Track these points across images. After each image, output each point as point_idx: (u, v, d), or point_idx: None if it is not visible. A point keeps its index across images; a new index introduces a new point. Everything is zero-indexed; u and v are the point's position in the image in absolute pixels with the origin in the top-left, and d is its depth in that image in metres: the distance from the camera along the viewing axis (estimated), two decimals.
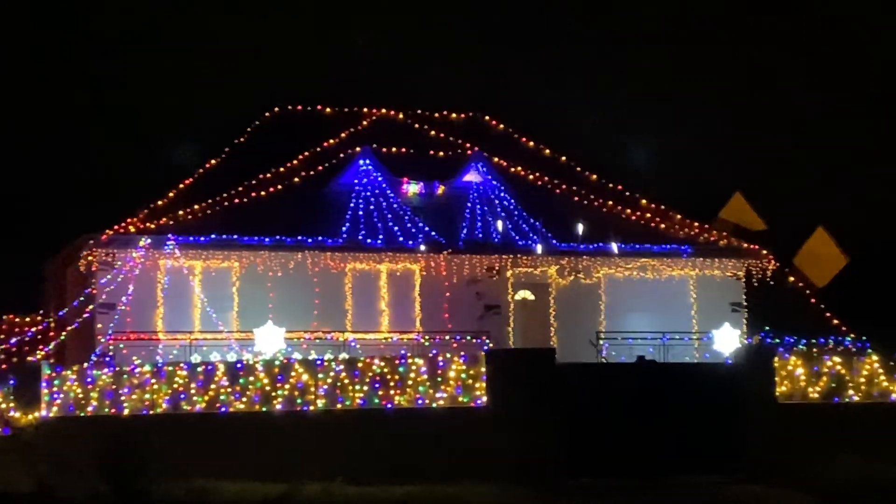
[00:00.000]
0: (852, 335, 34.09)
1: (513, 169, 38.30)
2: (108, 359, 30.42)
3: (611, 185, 38.77)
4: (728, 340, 32.88)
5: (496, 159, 38.30)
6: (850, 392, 29.75)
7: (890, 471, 26.04)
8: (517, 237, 35.86)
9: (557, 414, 27.09)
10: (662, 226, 37.55)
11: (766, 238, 37.79)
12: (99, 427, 27.23)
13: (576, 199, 37.77)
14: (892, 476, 25.65)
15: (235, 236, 33.26)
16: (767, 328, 34.55)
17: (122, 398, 28.19)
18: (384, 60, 54.85)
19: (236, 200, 34.49)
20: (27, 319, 35.16)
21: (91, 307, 32.19)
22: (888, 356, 30.12)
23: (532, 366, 27.74)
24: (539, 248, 35.56)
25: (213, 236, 33.05)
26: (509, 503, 22.62)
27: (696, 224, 37.85)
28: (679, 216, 38.04)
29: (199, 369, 28.19)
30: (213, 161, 37.01)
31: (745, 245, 37.34)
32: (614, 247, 35.99)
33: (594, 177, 39.12)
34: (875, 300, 40.55)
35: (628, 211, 37.85)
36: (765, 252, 37.15)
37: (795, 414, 28.69)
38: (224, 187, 34.65)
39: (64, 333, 33.08)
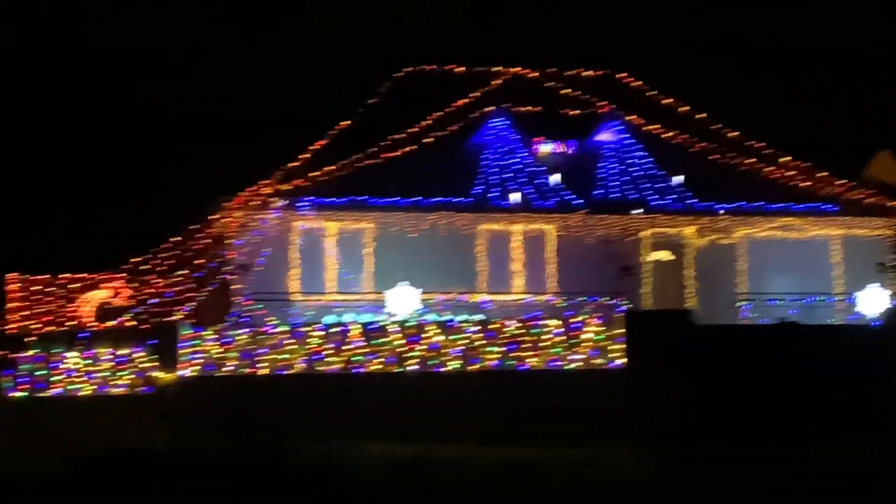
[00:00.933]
0: None
1: (648, 127, 37.54)
2: (244, 319, 30.74)
3: (751, 143, 37.74)
4: (874, 302, 31.79)
5: (631, 117, 37.58)
6: None
7: None
8: (653, 196, 35.15)
9: (695, 377, 26.58)
10: (805, 184, 36.43)
11: None
12: (236, 386, 27.54)
13: (714, 156, 36.86)
14: None
15: (368, 197, 33.24)
16: None
17: (259, 358, 28.44)
18: (517, 18, 54.26)
19: (369, 161, 34.45)
20: (167, 281, 35.67)
21: (228, 268, 32.52)
22: None
23: (669, 328, 27.28)
24: (676, 208, 34.83)
25: (346, 197, 33.09)
26: (645, 466, 22.17)
27: (841, 182, 36.65)
28: (822, 174, 36.86)
29: (334, 330, 28.31)
30: (345, 122, 37.00)
31: (892, 203, 36.05)
32: (755, 205, 35.06)
33: (734, 134, 38.12)
34: None
35: (770, 169, 36.81)
36: None
37: None
38: (357, 148, 34.62)
39: (202, 294, 33.50)
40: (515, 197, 34.24)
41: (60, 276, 35.28)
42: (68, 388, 29.30)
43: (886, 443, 25.39)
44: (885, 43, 55.22)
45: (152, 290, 34.80)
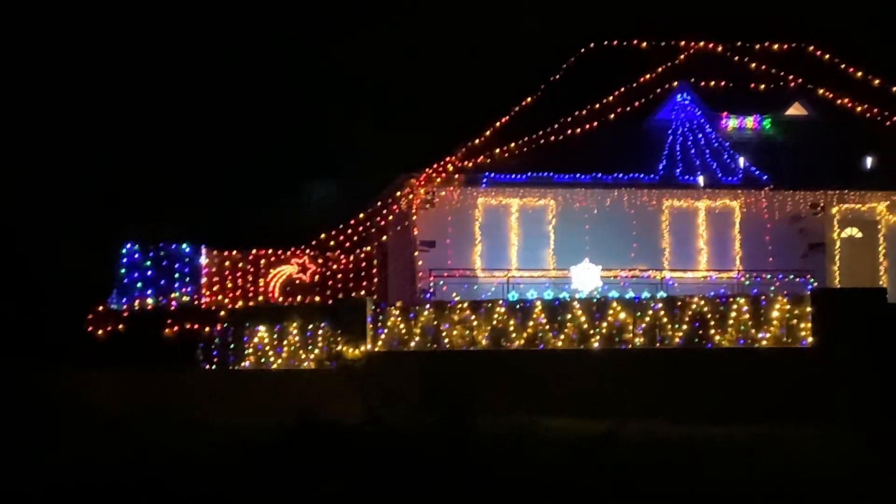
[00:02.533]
0: None
1: (839, 101, 36.55)
2: (428, 295, 31.11)
3: None
4: None
5: (821, 91, 36.65)
6: None
7: None
8: (844, 172, 34.21)
9: (890, 357, 25.87)
10: None
11: None
12: (422, 361, 27.86)
13: None
14: None
15: (551, 174, 33.19)
16: None
17: (444, 334, 28.74)
18: None
19: (552, 138, 34.41)
20: (352, 257, 36.38)
21: (412, 244, 32.94)
22: None
23: (862, 306, 26.59)
24: (867, 184, 33.85)
25: (528, 174, 33.12)
26: (836, 447, 21.66)
27: None
28: None
29: (518, 306, 28.42)
30: (528, 99, 37.03)
31: None
32: None
33: None
34: None
35: None
36: None
37: None
38: (540, 125, 34.62)
39: (387, 270, 34.04)
40: (700, 173, 33.74)
41: (251, 251, 36.27)
42: (259, 361, 30.08)
43: None
44: None
45: (338, 266, 35.54)
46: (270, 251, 36.31)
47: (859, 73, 38.48)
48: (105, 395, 27.92)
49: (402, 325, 29.14)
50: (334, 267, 35.93)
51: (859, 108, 36.34)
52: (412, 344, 28.95)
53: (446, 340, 28.72)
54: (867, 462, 19.55)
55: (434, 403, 21.20)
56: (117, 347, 31.69)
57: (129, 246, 34.32)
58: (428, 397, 21.50)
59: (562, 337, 27.94)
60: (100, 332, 32.52)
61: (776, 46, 39.62)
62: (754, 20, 46.48)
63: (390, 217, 34.57)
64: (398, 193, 33.56)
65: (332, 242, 35.08)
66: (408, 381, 26.21)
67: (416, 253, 32.86)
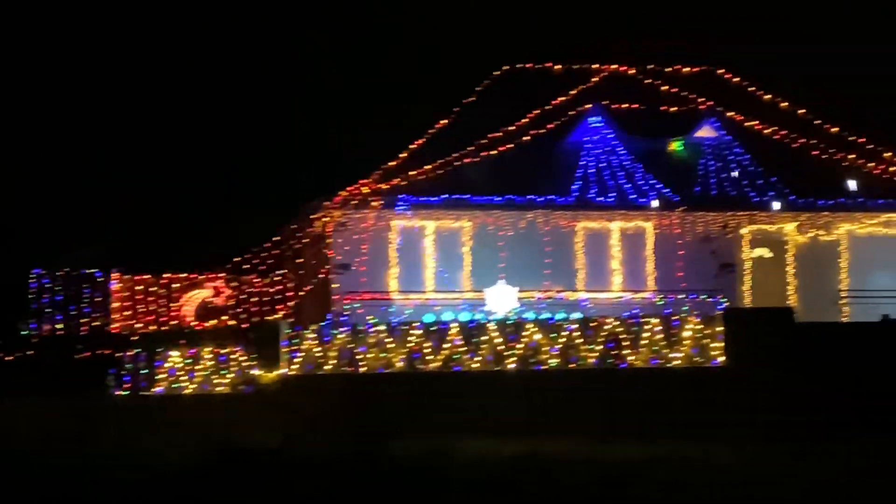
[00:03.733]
0: None
1: (748, 123, 37.16)
2: (343, 318, 31.01)
3: (853, 138, 37.16)
4: None
5: (730, 114, 37.22)
6: None
7: None
8: (753, 193, 34.78)
9: (798, 375, 26.37)
10: None
11: None
12: (338, 385, 27.78)
13: (815, 152, 36.35)
14: None
15: (467, 196, 33.31)
16: None
17: (359, 357, 28.67)
18: (615, 15, 53.96)
19: (467, 160, 34.53)
20: (266, 280, 36.15)
21: (326, 268, 32.85)
22: None
23: (771, 325, 27.05)
24: (776, 205, 34.43)
25: (444, 196, 33.20)
26: (749, 464, 21.95)
27: None
28: None
29: (433, 329, 28.47)
30: (442, 121, 37.13)
31: None
32: (857, 201, 34.51)
33: (835, 129, 37.57)
34: None
35: (872, 164, 36.22)
36: None
37: None
38: (455, 147, 34.73)
39: (301, 294, 33.88)
40: (613, 195, 34.07)
41: (163, 275, 35.90)
42: (171, 386, 29.75)
43: None
44: None
45: (253, 290, 35.30)
46: (184, 275, 35.97)
47: (767, 96, 39.16)
48: (9, 422, 27.42)
49: (317, 348, 29.01)
50: (249, 290, 35.69)
51: (767, 131, 36.96)
52: (327, 367, 28.83)
53: (362, 363, 28.66)
54: (775, 478, 19.85)
55: (351, 427, 21.18)
56: (25, 374, 31.14)
57: (37, 271, 33.81)
58: (344, 421, 21.49)
59: (477, 358, 28.05)
60: (7, 358, 31.93)
61: (686, 69, 40.19)
62: (666, 43, 47.12)
63: (305, 240, 34.43)
64: (313, 216, 33.44)
65: (246, 266, 34.84)
66: (324, 404, 26.24)
67: (332, 276, 32.76)
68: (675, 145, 36.46)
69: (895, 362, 27.01)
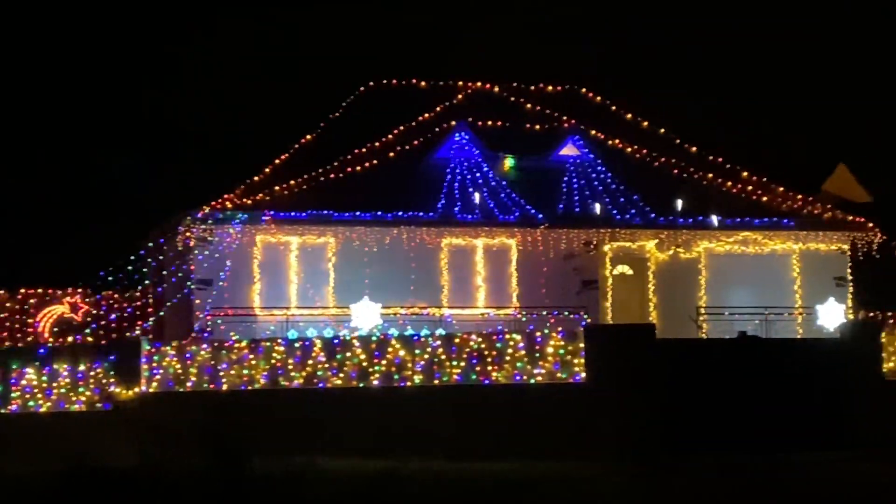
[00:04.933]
0: None
1: (610, 142, 37.72)
2: (206, 334, 30.59)
3: (711, 158, 37.99)
4: (832, 316, 32.08)
5: (593, 132, 37.73)
6: None
7: None
8: (615, 211, 35.29)
9: (658, 390, 26.75)
10: (764, 199, 36.69)
11: (871, 210, 36.78)
12: (198, 402, 27.39)
13: (675, 171, 37.07)
14: None
15: (331, 211, 33.14)
16: (874, 303, 33.72)
17: (221, 373, 28.32)
18: (480, 33, 54.42)
19: (332, 175, 34.38)
20: (126, 295, 35.50)
21: (189, 283, 32.37)
22: None
23: (631, 341, 27.41)
24: (637, 222, 34.99)
25: (308, 212, 32.99)
26: (609, 480, 22.22)
27: (800, 197, 36.94)
28: (781, 189, 37.16)
29: (297, 345, 28.26)
30: (308, 137, 36.94)
31: (850, 217, 36.36)
32: (715, 220, 35.27)
33: (694, 149, 38.37)
34: None
35: (729, 183, 37.04)
36: (870, 225, 36.14)
37: None
38: (319, 163, 34.56)
39: (162, 309, 33.32)
40: (477, 212, 34.24)
41: (18, 291, 35.03)
42: (26, 404, 28.98)
43: (844, 452, 25.64)
44: (840, 58, 55.85)
45: (113, 306, 34.63)
46: (40, 290, 35.16)
47: (629, 115, 39.80)
48: None
49: (177, 365, 28.57)
50: (109, 306, 35.01)
51: (629, 149, 37.55)
52: (188, 384, 28.40)
53: (224, 380, 28.30)
54: (637, 493, 20.09)
55: (210, 445, 20.83)
56: None
57: None
58: (204, 439, 21.12)
59: (341, 375, 27.91)
60: None
61: (550, 88, 40.65)
62: (530, 62, 47.69)
63: (168, 255, 33.90)
64: (176, 231, 32.92)
65: (105, 281, 34.10)
66: (183, 422, 25.75)
67: (194, 291, 32.28)
68: (540, 163, 36.72)
69: (751, 377, 27.56)
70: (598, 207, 35.28)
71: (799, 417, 27.26)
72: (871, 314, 32.97)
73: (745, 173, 37.54)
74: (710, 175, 37.13)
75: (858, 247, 36.11)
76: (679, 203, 35.50)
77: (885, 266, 35.62)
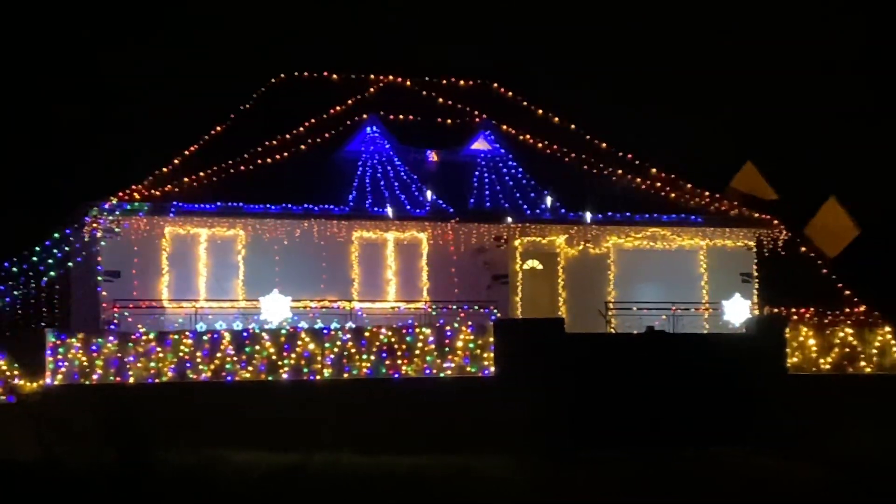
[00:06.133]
0: (864, 306, 33.85)
1: (521, 137, 37.89)
2: (112, 326, 30.22)
3: (621, 154, 38.36)
4: (738, 311, 32.57)
5: (505, 127, 37.88)
6: (862, 363, 29.54)
7: None
8: (525, 206, 35.47)
9: (566, 385, 26.90)
10: (673, 195, 37.13)
11: (777, 208, 37.36)
12: (104, 395, 27.02)
13: (585, 167, 37.36)
14: None
15: (241, 204, 32.89)
16: (778, 299, 34.28)
17: (127, 366, 28.03)
18: (392, 26, 54.38)
19: (242, 168, 34.13)
20: (32, 286, 34.85)
21: (96, 275, 31.93)
22: None
23: (540, 336, 27.53)
24: (547, 218, 35.19)
25: (218, 204, 32.71)
26: (517, 473, 22.37)
27: (707, 193, 37.44)
28: (689, 185, 37.62)
29: (205, 338, 28.04)
30: (218, 128, 36.62)
31: (756, 215, 36.93)
32: (622, 212, 35.57)
33: (604, 145, 38.71)
34: (887, 271, 40.28)
35: (638, 180, 37.43)
36: (776, 222, 36.75)
37: (807, 385, 28.51)
38: (230, 154, 34.28)
39: (69, 301, 32.83)
40: (389, 205, 34.22)
41: None
42: None
43: (750, 446, 26.04)
44: (749, 56, 56.67)
45: (17, 297, 33.99)
46: None
47: (540, 112, 40.01)
48: None
49: (83, 358, 28.22)
50: (13, 297, 34.37)
51: (540, 145, 37.76)
52: (94, 377, 28.05)
53: (130, 373, 27.99)
54: (544, 488, 20.24)
55: (117, 438, 20.61)
56: None
57: None
58: (108, 433, 20.89)
59: (250, 368, 27.74)
60: None
61: (462, 83, 40.73)
62: (442, 57, 47.76)
63: (75, 246, 33.39)
64: (83, 222, 32.45)
65: (10, 272, 33.48)
66: (89, 415, 25.42)
67: (101, 283, 31.86)
68: (452, 157, 36.80)
69: (659, 372, 27.84)
70: (508, 202, 35.42)
71: (705, 412, 27.58)
72: (776, 310, 33.49)
73: (654, 170, 37.95)
74: (620, 171, 37.48)
75: (764, 243, 36.68)
76: (588, 198, 35.75)
77: (790, 262, 36.22)
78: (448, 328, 28.01)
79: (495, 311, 32.59)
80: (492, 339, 27.52)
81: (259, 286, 31.96)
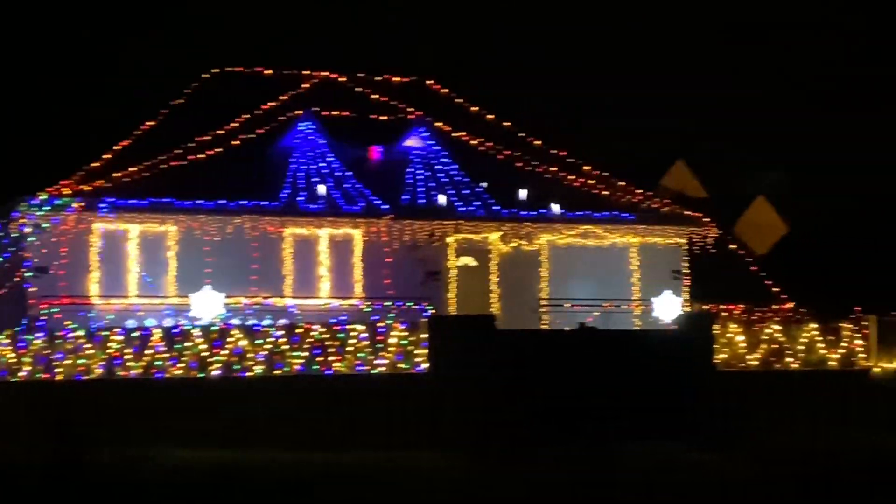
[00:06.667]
0: (792, 303, 34.32)
1: (455, 134, 37.91)
2: (40, 323, 29.86)
3: (554, 152, 38.53)
4: (669, 308, 32.89)
5: (439, 124, 37.89)
6: (789, 360, 29.93)
7: (827, 438, 26.25)
8: (459, 203, 35.53)
9: (499, 382, 26.95)
10: (605, 193, 37.38)
11: (707, 206, 37.78)
12: (33, 393, 26.78)
13: (519, 164, 37.49)
14: (830, 443, 25.83)
15: (172, 199, 32.65)
16: (707, 295, 34.65)
17: (56, 363, 27.70)
18: (328, 22, 54.24)
19: (174, 163, 33.85)
20: None
21: (23, 270, 31.55)
22: (826, 324, 30.33)
23: (473, 332, 27.56)
24: (481, 214, 35.28)
25: (149, 199, 32.44)
26: (449, 471, 22.40)
27: (639, 191, 37.74)
28: (622, 183, 37.90)
29: (135, 334, 27.82)
30: (150, 123, 36.30)
31: (687, 212, 37.29)
32: (555, 209, 35.74)
33: (538, 143, 38.86)
34: (814, 268, 40.85)
35: (572, 177, 37.63)
36: (706, 220, 37.12)
37: (736, 381, 28.82)
38: (161, 150, 33.99)
39: None
40: (322, 201, 34.12)
41: None
42: None
43: (682, 442, 26.27)
44: (678, 55, 57.19)
45: None
46: None
47: (474, 108, 40.08)
48: None
49: (10, 355, 27.91)
50: None
51: (474, 142, 37.84)
52: (22, 374, 27.72)
53: (59, 370, 27.67)
54: (476, 485, 20.27)
55: (45, 437, 20.40)
56: None
57: None
58: (37, 430, 20.67)
59: (181, 365, 27.53)
60: None
61: (396, 79, 40.69)
62: (377, 53, 47.70)
63: (2, 241, 32.94)
64: (10, 217, 32.02)
65: None
66: (17, 413, 25.18)
67: (29, 279, 31.47)
68: (386, 154, 36.80)
69: (592, 369, 27.99)
70: (442, 199, 35.47)
71: (637, 408, 27.74)
72: (706, 307, 33.84)
73: (587, 167, 38.18)
74: (553, 168, 37.66)
75: (694, 241, 37.03)
76: (522, 196, 35.89)
77: (720, 260, 36.61)
78: (381, 325, 27.96)
79: (429, 307, 32.62)
80: (424, 336, 27.51)
81: (191, 282, 31.73)
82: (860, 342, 30.34)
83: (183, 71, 40.50)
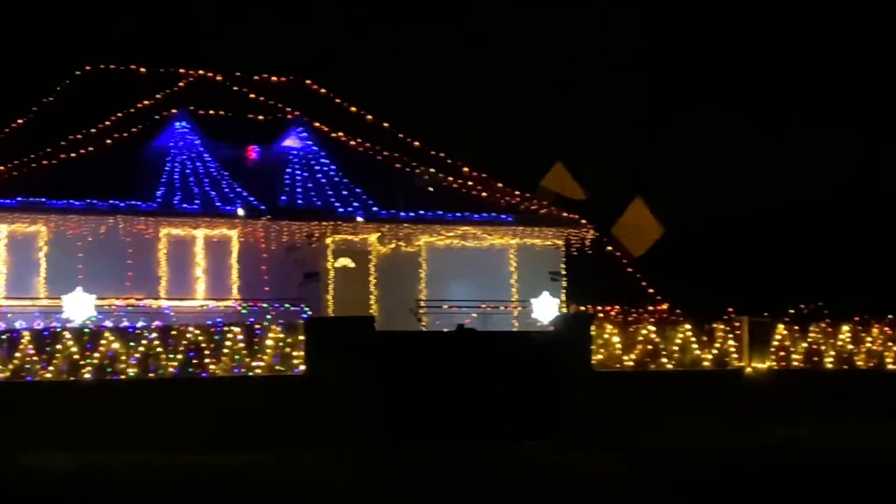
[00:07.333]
0: (667, 304, 34.79)
1: (334, 135, 37.73)
2: None
3: (433, 153, 38.53)
4: (547, 309, 33.10)
5: (317, 124, 37.65)
6: (664, 360, 30.35)
7: (701, 437, 26.70)
8: (337, 204, 35.32)
9: (377, 383, 26.94)
10: (484, 194, 37.48)
11: (585, 207, 38.07)
12: None
13: (398, 165, 37.42)
14: (703, 442, 26.27)
15: (43, 199, 31.89)
16: (585, 297, 34.95)
17: None
18: (204, 19, 53.57)
19: (45, 162, 33.08)
20: None
21: None
22: (700, 325, 30.83)
23: (351, 334, 27.50)
24: (359, 216, 35.12)
25: (18, 199, 31.65)
26: (326, 472, 22.25)
27: (518, 193, 37.91)
28: (500, 184, 38.04)
29: (3, 337, 27.10)
30: (20, 121, 35.44)
31: (565, 214, 37.55)
32: (435, 214, 35.77)
33: (417, 144, 38.83)
34: (688, 270, 41.51)
35: (450, 178, 37.67)
36: (584, 221, 37.42)
37: (612, 381, 29.16)
38: (32, 148, 33.20)
39: None
40: (197, 201, 33.63)
41: None
42: None
43: (560, 440, 26.50)
44: (556, 57, 57.73)
45: None
46: None
47: (353, 109, 39.91)
48: None
49: None
50: None
51: (353, 143, 37.67)
52: None
53: None
54: (355, 486, 20.17)
55: None
56: None
57: None
58: None
59: (51, 368, 26.90)
60: None
61: (275, 79, 40.34)
62: (256, 52, 47.24)
63: None
64: None
65: None
66: None
67: None
68: (264, 154, 36.45)
69: (470, 369, 28.07)
70: (320, 200, 35.22)
71: (515, 408, 27.93)
72: (583, 308, 34.14)
73: (466, 169, 38.25)
74: (432, 169, 37.64)
75: (572, 242, 37.30)
76: (401, 197, 35.81)
77: (597, 261, 36.94)
78: (258, 326, 27.71)
79: (306, 309, 32.34)
80: (302, 338, 27.35)
81: (62, 284, 31.01)
82: (733, 343, 30.91)
83: (55, 68, 39.62)
